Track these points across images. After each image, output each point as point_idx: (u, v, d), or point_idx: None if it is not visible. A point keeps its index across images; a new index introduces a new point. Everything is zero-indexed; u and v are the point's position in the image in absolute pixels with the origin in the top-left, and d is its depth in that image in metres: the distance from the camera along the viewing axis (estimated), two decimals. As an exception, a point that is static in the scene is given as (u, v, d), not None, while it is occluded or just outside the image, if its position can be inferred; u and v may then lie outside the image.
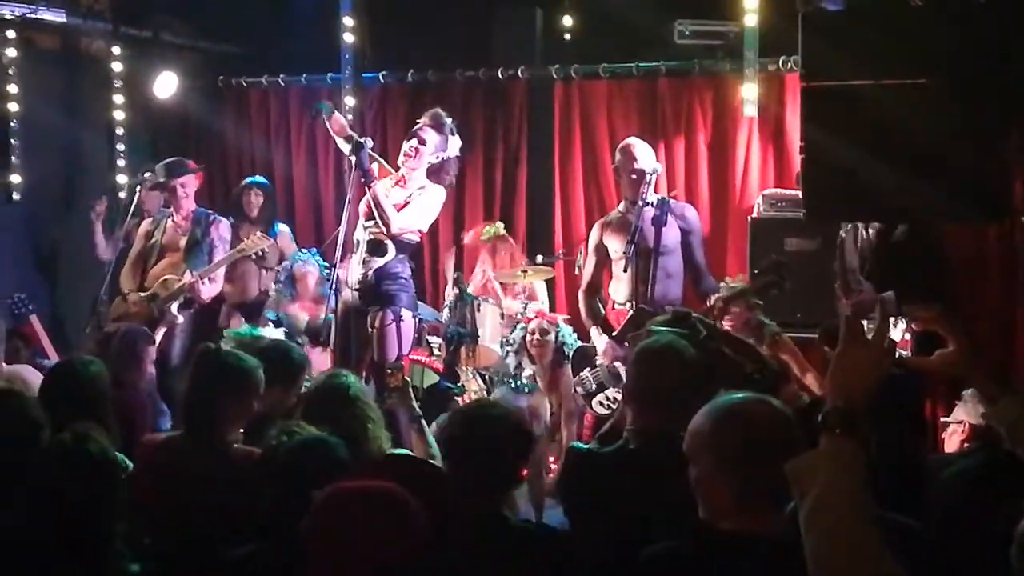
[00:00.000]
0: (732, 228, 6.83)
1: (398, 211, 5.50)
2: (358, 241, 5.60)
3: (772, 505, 2.12)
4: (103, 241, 7.44)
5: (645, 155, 5.67)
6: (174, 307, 6.21)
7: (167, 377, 5.72)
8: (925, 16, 4.08)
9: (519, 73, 7.41)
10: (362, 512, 2.33)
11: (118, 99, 8.01)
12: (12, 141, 7.54)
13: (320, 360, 5.69)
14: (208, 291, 6.36)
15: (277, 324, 6.48)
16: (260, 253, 6.49)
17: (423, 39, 7.65)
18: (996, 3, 3.99)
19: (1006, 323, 5.48)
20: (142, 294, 6.33)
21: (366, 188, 5.48)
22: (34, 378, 4.52)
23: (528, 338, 6.21)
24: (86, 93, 8.02)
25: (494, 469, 2.78)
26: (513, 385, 6.17)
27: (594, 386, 5.64)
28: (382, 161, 5.76)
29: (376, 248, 5.53)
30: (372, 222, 5.53)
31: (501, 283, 6.93)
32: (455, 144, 5.72)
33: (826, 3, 4.91)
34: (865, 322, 1.80)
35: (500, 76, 7.45)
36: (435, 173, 5.66)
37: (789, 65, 6.46)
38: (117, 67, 7.94)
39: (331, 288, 5.61)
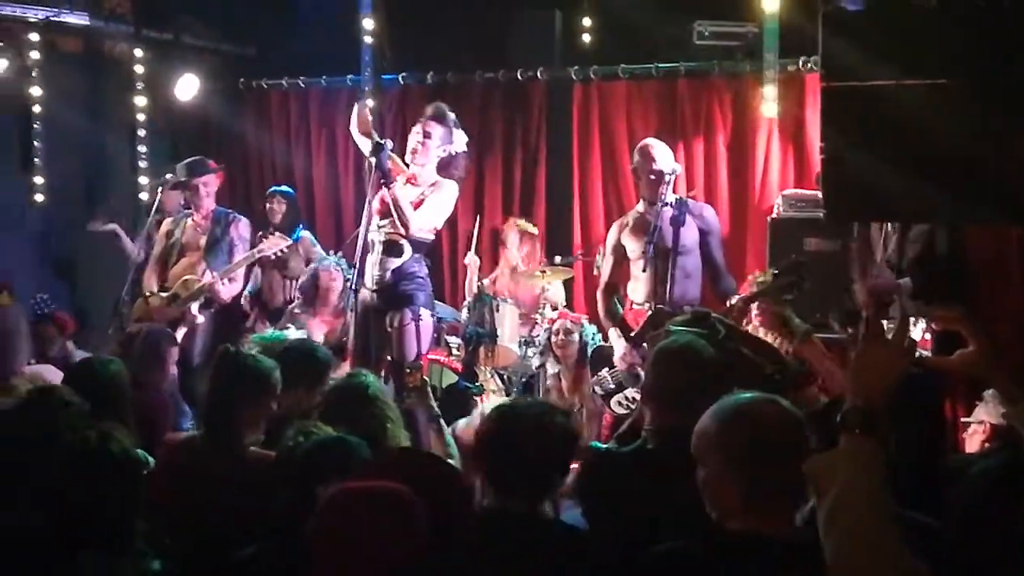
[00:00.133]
0: (752, 228, 6.82)
1: (415, 209, 5.48)
2: (373, 242, 5.56)
3: (780, 505, 2.12)
4: (131, 245, 7.34)
5: (664, 156, 5.65)
6: (194, 307, 6.24)
7: (188, 377, 5.75)
8: (946, 16, 4.06)
9: (538, 75, 7.42)
10: (367, 513, 2.33)
11: (140, 101, 8.05)
12: (35, 143, 7.62)
13: (340, 371, 5.69)
14: (228, 291, 6.39)
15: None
16: (279, 253, 6.49)
17: (442, 41, 7.66)
18: (1017, 3, 3.96)
19: (1027, 324, 5.47)
20: (163, 295, 6.36)
21: (385, 189, 5.45)
22: (56, 378, 4.53)
23: (553, 338, 6.25)
24: (108, 95, 8.07)
25: (539, 469, 2.67)
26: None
27: (613, 386, 5.65)
28: (398, 160, 5.73)
29: (392, 249, 5.50)
30: (386, 222, 5.50)
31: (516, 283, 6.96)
32: (461, 137, 5.68)
33: (846, 3, 4.89)
34: (885, 322, 1.80)
35: (519, 78, 7.46)
36: (444, 168, 5.62)
37: (809, 65, 6.46)
38: (139, 69, 7.98)
39: (351, 288, 5.63)
